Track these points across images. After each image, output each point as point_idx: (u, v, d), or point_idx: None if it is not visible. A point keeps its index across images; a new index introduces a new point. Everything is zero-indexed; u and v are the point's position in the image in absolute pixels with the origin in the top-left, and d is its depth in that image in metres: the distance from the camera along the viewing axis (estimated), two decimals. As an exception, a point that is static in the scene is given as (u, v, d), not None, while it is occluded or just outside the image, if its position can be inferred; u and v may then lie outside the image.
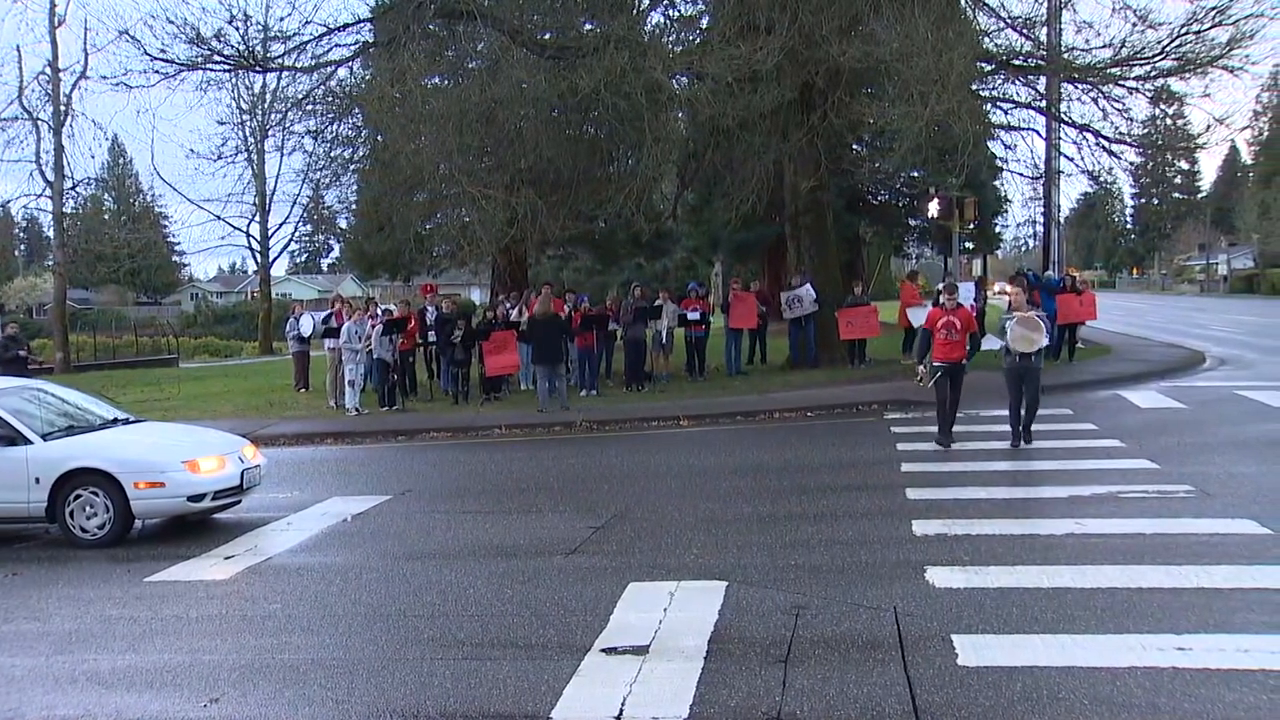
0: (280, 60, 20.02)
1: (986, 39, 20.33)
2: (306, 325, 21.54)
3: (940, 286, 13.62)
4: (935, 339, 12.29)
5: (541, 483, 11.73)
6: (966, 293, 20.40)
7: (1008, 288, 22.15)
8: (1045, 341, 11.74)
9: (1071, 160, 22.27)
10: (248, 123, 35.04)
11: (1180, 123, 38.64)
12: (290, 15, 48.14)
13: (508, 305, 21.01)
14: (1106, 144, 20.99)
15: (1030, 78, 21.18)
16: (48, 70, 37.02)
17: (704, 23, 21.87)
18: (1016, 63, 20.65)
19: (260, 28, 20.09)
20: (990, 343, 23.08)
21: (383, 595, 7.46)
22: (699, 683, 5.40)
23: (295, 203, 46.35)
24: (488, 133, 19.21)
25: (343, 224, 48.68)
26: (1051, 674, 5.30)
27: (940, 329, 12.26)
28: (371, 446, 15.62)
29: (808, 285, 20.93)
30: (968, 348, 12.43)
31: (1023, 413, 12.14)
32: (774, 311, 23.13)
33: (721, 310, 22.28)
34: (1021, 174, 28.09)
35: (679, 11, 22.45)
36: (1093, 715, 4.83)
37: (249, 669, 6.03)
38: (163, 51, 18.80)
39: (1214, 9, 18.09)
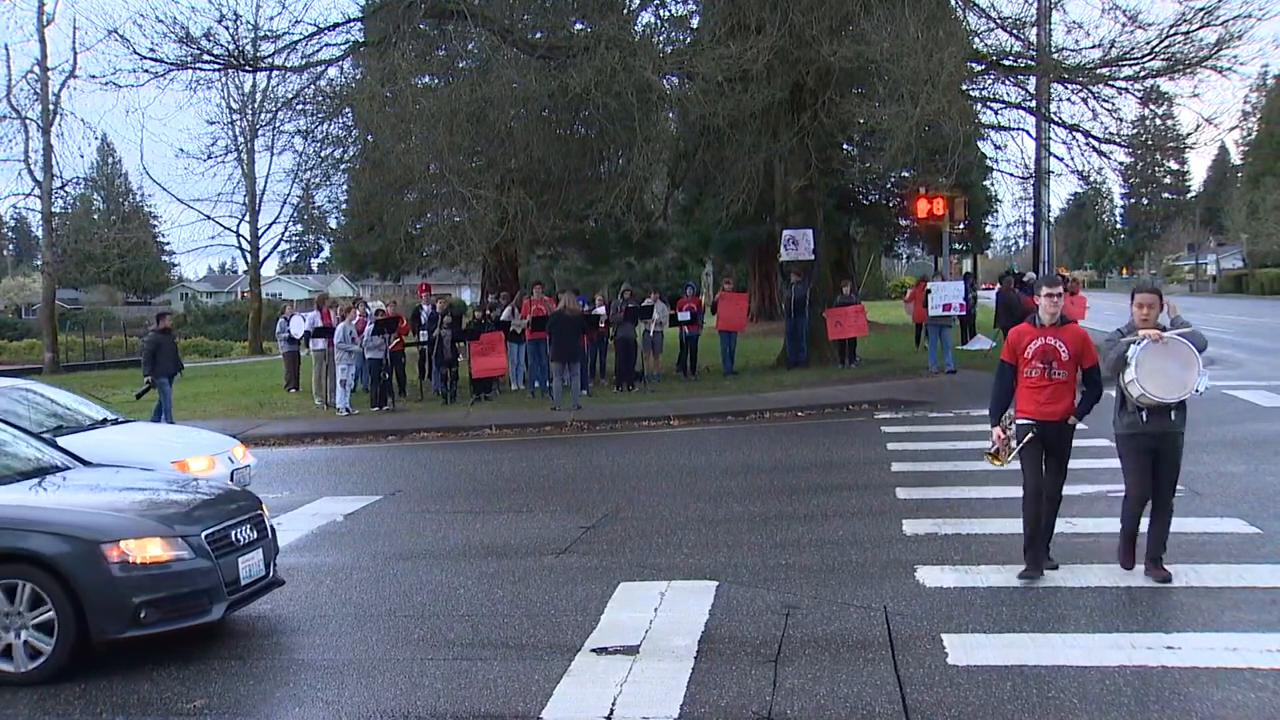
0: (270, 60, 20.00)
1: (977, 39, 20.40)
2: (298, 326, 21.46)
3: (1034, 281, 7.23)
4: (1021, 379, 6.99)
5: (532, 483, 11.71)
6: (955, 292, 20.35)
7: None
8: (1205, 384, 6.76)
9: (1061, 160, 22.32)
10: (237, 122, 34.86)
11: (1169, 123, 38.80)
12: (280, 14, 48.17)
13: (498, 306, 20.97)
14: (1096, 144, 21.05)
15: (1020, 78, 21.23)
16: (36, 69, 36.86)
17: (694, 22, 21.92)
18: (1006, 63, 20.71)
19: (250, 27, 19.99)
20: (979, 342, 22.99)
21: (373, 595, 7.44)
22: (689, 682, 5.41)
23: (285, 202, 46.18)
24: (478, 132, 19.20)
25: (333, 224, 48.45)
26: (1041, 673, 5.32)
27: (1032, 360, 6.90)
28: (362, 447, 15.58)
29: (809, 233, 20.77)
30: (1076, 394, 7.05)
31: (1146, 519, 6.94)
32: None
33: (711, 311, 22.26)
34: (1011, 174, 28.20)
35: (669, 11, 22.53)
36: (1082, 714, 4.85)
37: (238, 670, 6.01)
38: (152, 51, 18.79)
39: (1202, 10, 18.17)
